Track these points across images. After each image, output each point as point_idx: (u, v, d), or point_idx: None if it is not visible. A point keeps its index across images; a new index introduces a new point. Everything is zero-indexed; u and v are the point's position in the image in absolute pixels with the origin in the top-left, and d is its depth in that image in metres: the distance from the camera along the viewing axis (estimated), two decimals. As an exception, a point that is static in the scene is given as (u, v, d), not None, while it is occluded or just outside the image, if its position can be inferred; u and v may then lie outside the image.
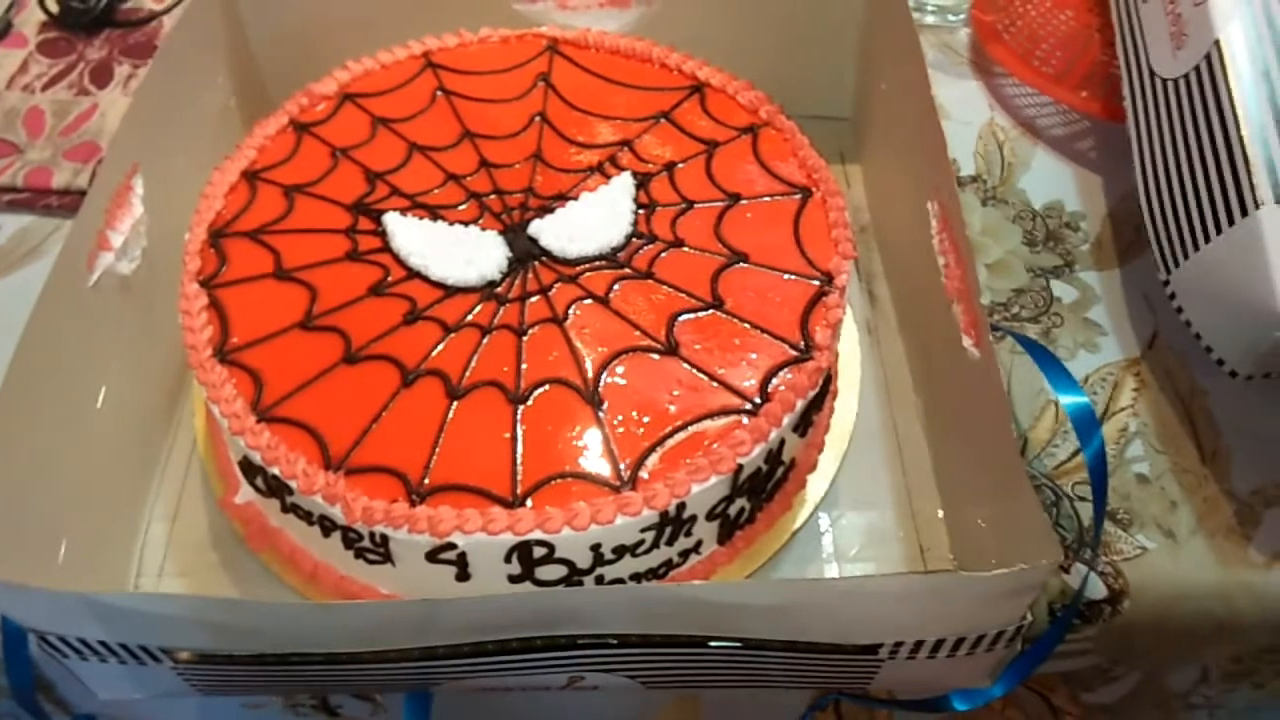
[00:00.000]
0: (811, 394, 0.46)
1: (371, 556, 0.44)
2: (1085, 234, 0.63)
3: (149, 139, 0.53)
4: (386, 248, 0.51)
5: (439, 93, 0.58)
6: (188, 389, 0.55)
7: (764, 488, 0.48)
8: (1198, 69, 0.52)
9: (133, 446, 0.52)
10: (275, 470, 0.43)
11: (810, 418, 0.49)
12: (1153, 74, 0.56)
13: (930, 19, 0.76)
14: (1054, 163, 0.67)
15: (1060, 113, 0.70)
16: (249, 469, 0.46)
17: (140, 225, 0.51)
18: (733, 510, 0.47)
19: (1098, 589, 0.50)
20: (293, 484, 0.43)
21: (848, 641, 0.41)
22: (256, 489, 0.47)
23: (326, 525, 0.44)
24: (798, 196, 0.53)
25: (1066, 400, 0.50)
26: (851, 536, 0.52)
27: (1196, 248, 0.51)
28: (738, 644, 0.40)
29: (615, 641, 0.41)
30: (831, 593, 0.37)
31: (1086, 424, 0.49)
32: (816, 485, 0.52)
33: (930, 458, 0.54)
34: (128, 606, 0.38)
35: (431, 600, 0.38)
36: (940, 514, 0.52)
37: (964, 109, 0.70)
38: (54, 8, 0.73)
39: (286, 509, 0.45)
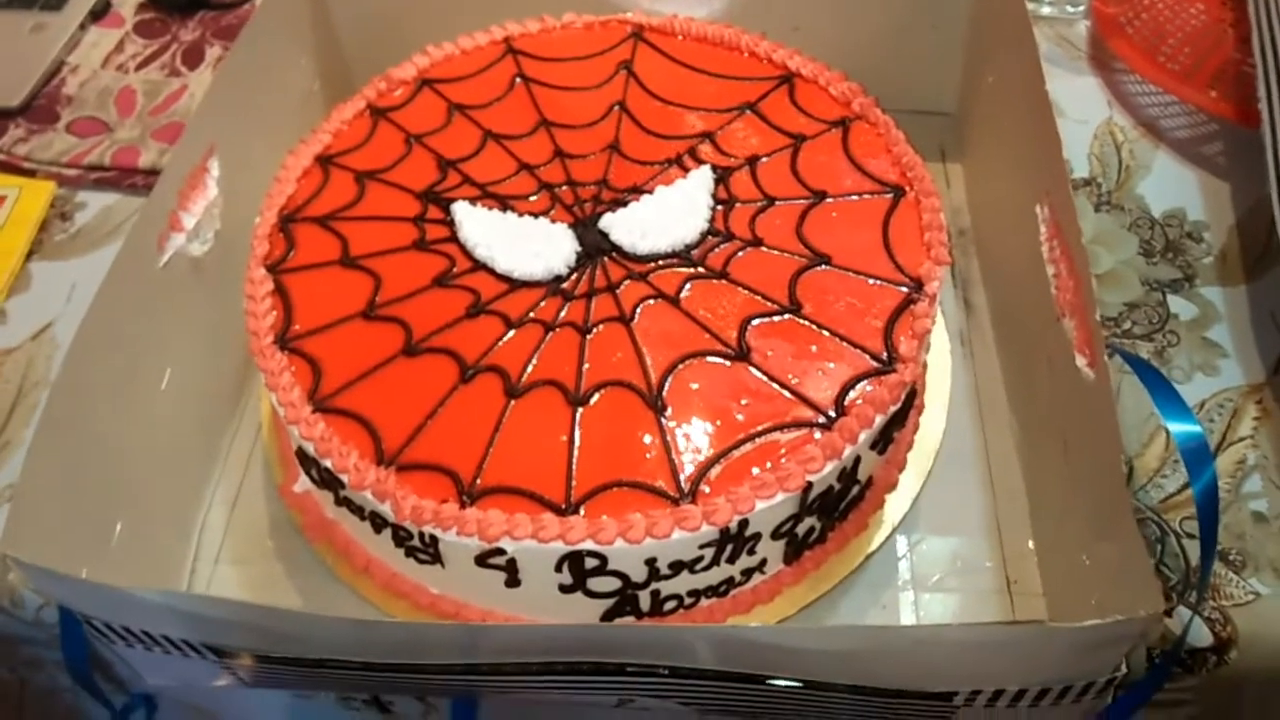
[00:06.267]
0: (892, 409, 0.43)
1: (421, 556, 0.43)
2: (1209, 245, 0.58)
3: (229, 120, 0.52)
4: (454, 237, 0.49)
5: (518, 79, 0.56)
6: (256, 374, 0.55)
7: (836, 507, 0.45)
8: (1347, 66, 0.47)
9: (196, 429, 0.52)
10: (328, 463, 0.42)
11: (891, 435, 0.45)
12: (1294, 71, 0.51)
13: (1047, 10, 0.71)
14: (1177, 167, 0.62)
15: (1186, 113, 0.64)
16: (305, 459, 0.45)
17: (214, 207, 0.51)
18: (801, 529, 0.44)
19: (1203, 636, 0.45)
20: (344, 478, 0.42)
21: (920, 689, 0.37)
22: (312, 479, 0.46)
23: (377, 522, 0.43)
24: (889, 195, 0.49)
25: (1176, 429, 0.45)
26: (932, 563, 0.48)
27: (1337, 263, 0.46)
28: (799, 684, 0.38)
29: (666, 671, 0.39)
30: (905, 640, 0.33)
31: (1197, 456, 0.45)
32: (896, 506, 0.49)
33: (1024, 483, 0.50)
34: (168, 605, 0.38)
35: (474, 626, 0.36)
36: (1031, 544, 0.48)
37: (1080, 106, 0.65)
38: (152, -11, 0.74)
39: (339, 502, 0.44)
